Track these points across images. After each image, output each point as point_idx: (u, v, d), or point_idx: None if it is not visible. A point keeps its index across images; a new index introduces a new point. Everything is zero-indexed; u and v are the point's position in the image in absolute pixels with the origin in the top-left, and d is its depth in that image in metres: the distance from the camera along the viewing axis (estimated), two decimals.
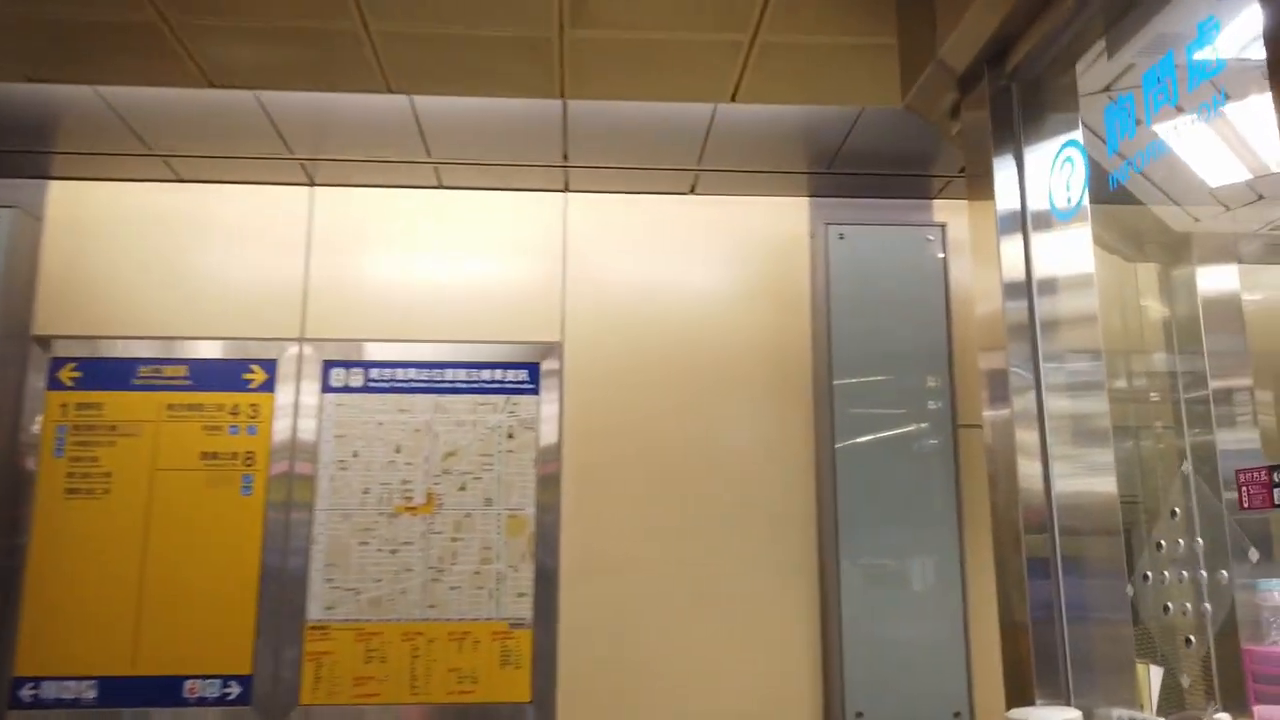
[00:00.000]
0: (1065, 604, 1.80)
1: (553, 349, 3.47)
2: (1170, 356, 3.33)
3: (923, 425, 3.41)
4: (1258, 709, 2.82)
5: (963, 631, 3.24)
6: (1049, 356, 1.94)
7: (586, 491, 3.39)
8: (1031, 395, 1.94)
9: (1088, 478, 1.85)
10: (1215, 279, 3.14)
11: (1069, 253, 1.96)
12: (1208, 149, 2.09)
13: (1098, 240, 1.95)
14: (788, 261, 3.61)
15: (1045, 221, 1.98)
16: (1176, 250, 3.27)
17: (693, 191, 3.60)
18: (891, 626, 3.24)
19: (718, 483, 3.43)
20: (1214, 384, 3.18)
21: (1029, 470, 1.90)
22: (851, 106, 2.86)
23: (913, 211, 3.65)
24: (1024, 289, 1.98)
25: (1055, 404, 1.92)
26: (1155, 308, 3.26)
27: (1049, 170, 1.99)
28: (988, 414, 2.07)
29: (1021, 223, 2.02)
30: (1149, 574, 2.46)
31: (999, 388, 2.01)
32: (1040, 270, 1.99)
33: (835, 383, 3.38)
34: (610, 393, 3.46)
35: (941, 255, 3.51)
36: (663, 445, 3.44)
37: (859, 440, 3.36)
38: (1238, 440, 3.17)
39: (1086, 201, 1.90)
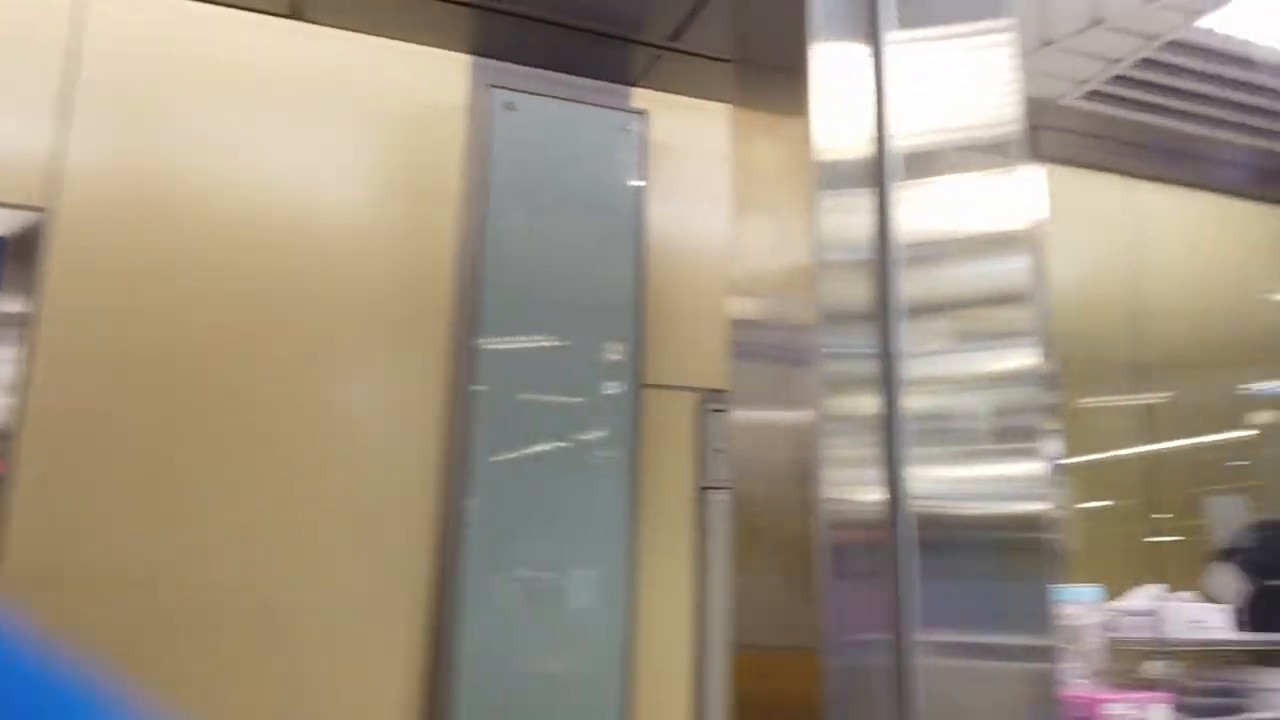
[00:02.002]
0: (917, 617, 0.85)
1: (30, 221, 2.07)
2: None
3: (596, 399, 2.40)
4: None
5: (620, 661, 2.28)
6: (921, 309, 0.95)
7: (65, 456, 2.02)
8: (871, 383, 0.94)
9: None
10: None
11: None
12: None
13: None
14: (433, 141, 2.46)
15: None
16: None
17: (297, 16, 2.35)
18: (527, 656, 2.22)
19: (290, 458, 2.19)
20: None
21: (848, 478, 0.92)
22: None
23: (604, 93, 2.66)
24: (868, 171, 0.97)
25: (920, 398, 0.94)
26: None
27: None
28: (742, 415, 1.06)
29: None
30: None
31: (788, 370, 0.99)
32: (901, 116, 0.98)
33: (482, 342, 2.30)
34: (128, 303, 2.12)
35: (637, 156, 2.53)
36: (206, 395, 2.15)
37: (505, 416, 2.30)
38: None
39: None
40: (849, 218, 0.93)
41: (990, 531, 0.95)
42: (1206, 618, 2.26)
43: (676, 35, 2.44)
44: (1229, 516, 3.08)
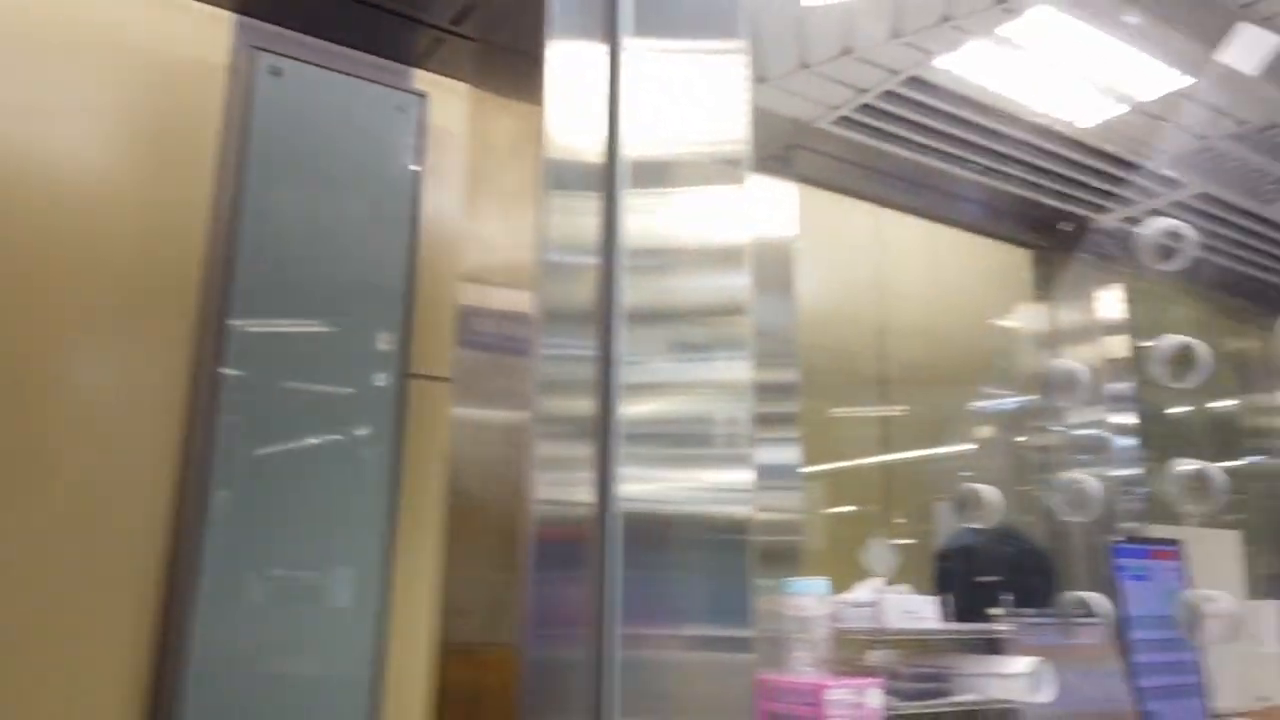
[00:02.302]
0: (622, 616, 0.86)
1: None
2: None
3: (359, 388, 2.29)
4: None
5: (371, 662, 2.20)
6: (643, 316, 0.96)
7: None
8: (589, 386, 0.95)
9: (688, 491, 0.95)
10: (766, 199, 2.48)
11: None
12: None
13: None
14: (188, 103, 2.27)
15: None
16: None
17: None
18: (272, 658, 2.07)
19: None
20: (755, 375, 2.52)
21: (562, 479, 0.93)
22: None
23: (383, 70, 2.55)
24: (599, 173, 0.97)
25: (636, 404, 0.96)
26: None
27: None
28: (461, 409, 1.06)
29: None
30: None
31: (508, 367, 0.99)
32: (634, 122, 0.99)
33: (234, 323, 2.13)
34: None
35: (414, 139, 2.45)
36: None
37: (258, 403, 2.14)
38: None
39: None
40: (577, 219, 0.93)
41: (696, 532, 0.98)
42: (919, 609, 2.46)
43: (459, 19, 2.38)
44: (952, 521, 3.38)
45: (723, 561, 1.00)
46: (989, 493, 2.53)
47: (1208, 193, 3.13)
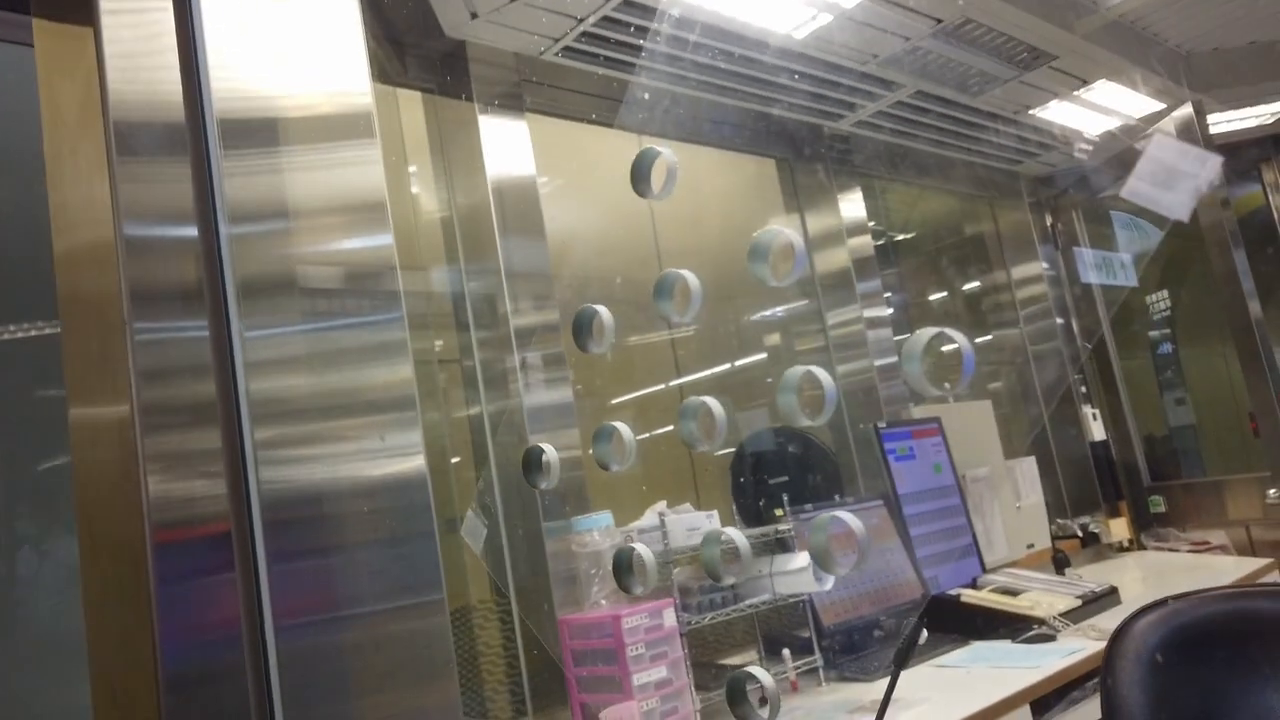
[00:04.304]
0: (271, 605, 0.78)
1: None
2: (453, 273, 2.47)
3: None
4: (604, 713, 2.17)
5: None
6: (257, 287, 0.85)
7: None
8: (206, 368, 0.84)
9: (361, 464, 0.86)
10: (503, 139, 2.36)
11: None
12: None
13: None
14: None
15: None
16: (442, 66, 2.33)
17: None
18: None
19: None
20: (515, 321, 2.42)
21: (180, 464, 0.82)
22: None
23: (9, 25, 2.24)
24: (189, 136, 0.85)
25: (269, 379, 0.86)
26: (427, 190, 2.33)
27: None
28: (73, 411, 0.93)
29: None
30: None
31: (102, 358, 0.87)
32: (228, 76, 0.86)
33: None
34: None
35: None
36: None
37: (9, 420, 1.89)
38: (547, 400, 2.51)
39: None
40: (165, 186, 0.82)
41: (357, 503, 0.90)
42: (701, 524, 2.50)
43: None
44: (752, 428, 3.44)
45: (397, 527, 0.93)
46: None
47: (923, 90, 3.25)
